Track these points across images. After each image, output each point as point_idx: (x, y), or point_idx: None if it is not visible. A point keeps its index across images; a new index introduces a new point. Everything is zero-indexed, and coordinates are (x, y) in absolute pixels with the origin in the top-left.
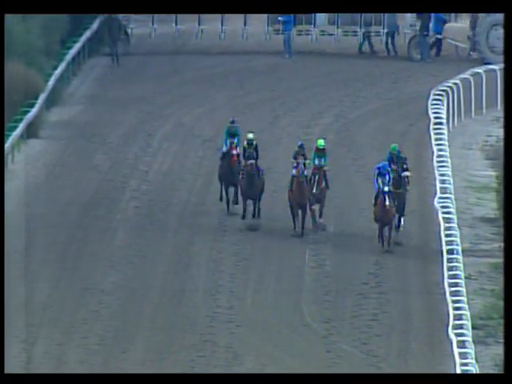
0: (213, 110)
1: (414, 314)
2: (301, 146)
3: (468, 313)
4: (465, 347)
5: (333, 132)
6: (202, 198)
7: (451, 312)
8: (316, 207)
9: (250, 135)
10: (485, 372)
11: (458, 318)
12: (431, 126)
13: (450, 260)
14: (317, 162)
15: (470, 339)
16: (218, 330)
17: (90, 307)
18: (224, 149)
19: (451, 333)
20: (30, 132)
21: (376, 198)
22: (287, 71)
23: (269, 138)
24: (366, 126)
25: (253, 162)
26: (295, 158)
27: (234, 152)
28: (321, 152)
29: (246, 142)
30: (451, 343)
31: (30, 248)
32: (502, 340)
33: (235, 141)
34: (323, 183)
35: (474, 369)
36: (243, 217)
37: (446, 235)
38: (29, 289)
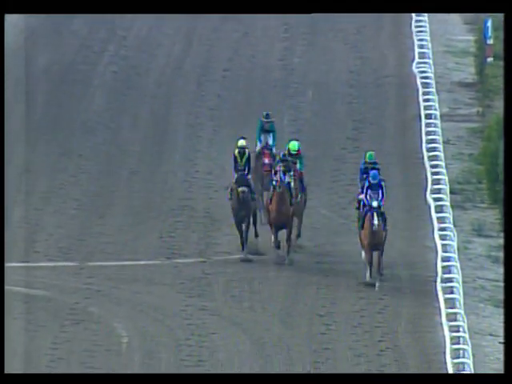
0: None
1: (392, 178)
2: (283, 158)
3: (446, 177)
4: (443, 212)
5: None
6: (179, 62)
7: (429, 177)
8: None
9: (242, 142)
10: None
11: (436, 182)
12: None
13: (428, 125)
14: None
15: (448, 204)
16: (196, 195)
17: (68, 172)
18: (258, 146)
19: (429, 197)
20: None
21: (363, 218)
22: None
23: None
24: None
25: (245, 189)
26: (275, 167)
27: (267, 161)
28: (294, 157)
29: (236, 151)
30: (429, 208)
31: (8, 115)
32: (479, 205)
33: (270, 142)
34: (299, 195)
35: (451, 234)
36: (242, 246)
37: (425, 100)
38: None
